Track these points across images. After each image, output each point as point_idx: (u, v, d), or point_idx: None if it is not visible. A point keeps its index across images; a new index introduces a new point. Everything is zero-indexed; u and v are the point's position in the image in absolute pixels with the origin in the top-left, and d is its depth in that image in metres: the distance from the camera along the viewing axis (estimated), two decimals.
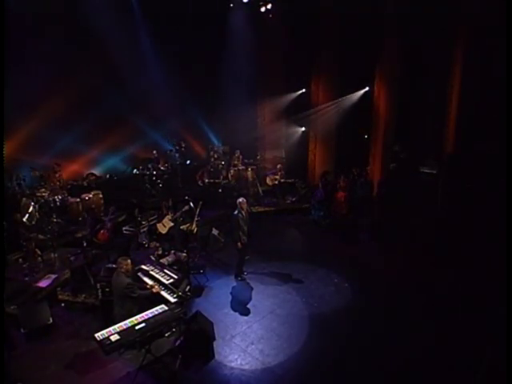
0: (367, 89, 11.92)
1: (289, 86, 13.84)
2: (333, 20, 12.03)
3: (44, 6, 10.21)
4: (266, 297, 7.21)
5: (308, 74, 13.00)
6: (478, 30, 8.83)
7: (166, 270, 6.13)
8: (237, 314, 6.71)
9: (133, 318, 5.08)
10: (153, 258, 6.70)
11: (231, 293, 7.38)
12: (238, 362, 5.54)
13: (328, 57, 12.33)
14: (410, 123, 11.68)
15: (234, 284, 7.70)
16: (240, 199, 7.67)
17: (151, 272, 6.17)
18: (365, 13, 10.85)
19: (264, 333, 6.16)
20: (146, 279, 6.11)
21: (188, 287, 5.88)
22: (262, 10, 12.87)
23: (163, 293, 5.67)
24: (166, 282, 5.82)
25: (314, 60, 12.69)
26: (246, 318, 6.58)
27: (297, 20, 12.60)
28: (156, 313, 5.21)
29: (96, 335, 4.80)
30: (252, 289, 7.52)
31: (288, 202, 12.05)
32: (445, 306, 6.73)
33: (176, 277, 5.91)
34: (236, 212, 7.61)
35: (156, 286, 5.70)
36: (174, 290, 5.63)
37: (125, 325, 4.96)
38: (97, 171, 12.09)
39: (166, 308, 5.33)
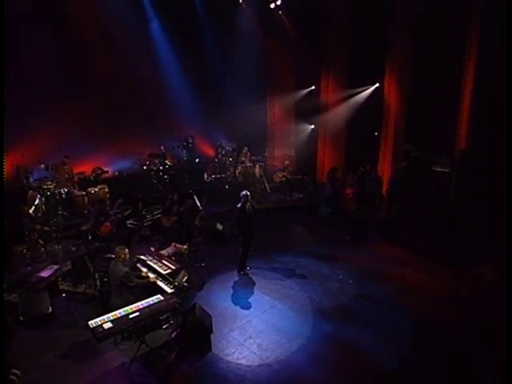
0: (377, 85, 11.64)
1: (298, 83, 13.67)
2: (343, 16, 11.86)
3: (59, 7, 10.37)
4: (267, 291, 7.07)
5: (318, 70, 12.83)
6: (493, 22, 8.54)
7: (164, 261, 6.05)
8: (237, 307, 6.59)
9: (127, 307, 5.01)
10: (152, 249, 6.63)
11: (232, 287, 7.26)
12: (235, 356, 5.41)
13: (338, 53, 12.15)
14: (422, 120, 11.38)
15: (236, 278, 7.58)
16: (243, 192, 7.55)
17: (149, 262, 6.11)
18: (376, 8, 10.66)
19: (263, 327, 6.02)
20: (143, 269, 6.04)
21: (185, 278, 5.77)
22: (272, 6, 12.76)
23: (160, 283, 5.60)
24: (164, 272, 5.74)
25: (324, 56, 12.53)
26: (246, 312, 6.45)
27: (306, 16, 12.46)
28: (151, 302, 5.14)
29: (89, 323, 4.77)
30: (254, 283, 7.39)
31: (295, 198, 11.88)
32: (451, 308, 6.47)
33: (173, 267, 5.82)
34: (239, 205, 7.50)
35: (153, 276, 5.62)
36: (171, 280, 5.53)
37: (119, 313, 4.91)
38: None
39: (162, 298, 5.25)
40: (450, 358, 5.35)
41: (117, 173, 12.19)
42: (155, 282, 5.57)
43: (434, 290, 7.11)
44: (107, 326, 4.68)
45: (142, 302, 5.14)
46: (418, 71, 10.58)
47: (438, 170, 10.96)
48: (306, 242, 9.45)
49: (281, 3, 12.57)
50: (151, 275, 5.76)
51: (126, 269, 5.50)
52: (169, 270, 5.77)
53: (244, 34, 12.84)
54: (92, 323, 4.74)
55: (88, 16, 10.77)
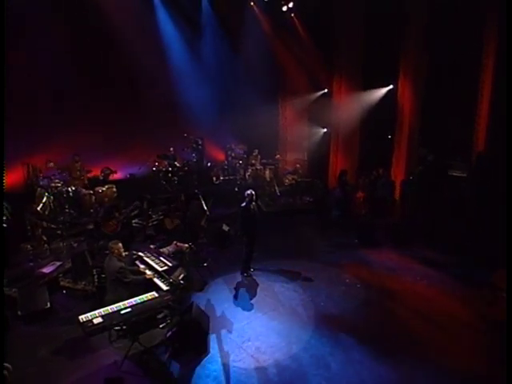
0: (391, 87, 11.34)
1: (311, 86, 13.50)
2: (355, 17, 11.68)
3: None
4: (270, 294, 6.84)
5: (330, 73, 12.64)
6: None
7: (161, 258, 5.91)
8: (238, 309, 6.38)
9: (120, 303, 4.87)
10: (152, 247, 6.51)
11: (235, 288, 7.05)
12: (231, 358, 5.20)
13: (350, 55, 11.95)
14: (438, 123, 10.99)
15: (239, 279, 7.37)
16: (248, 191, 7.38)
17: (146, 258, 5.98)
18: (388, 9, 10.43)
19: (263, 330, 5.78)
20: (141, 266, 5.91)
21: (182, 275, 5.60)
22: (284, 9, 12.72)
23: (156, 280, 5.45)
24: (160, 269, 5.59)
25: (337, 59, 12.35)
26: (246, 313, 6.24)
27: (319, 19, 12.33)
28: (145, 299, 5.00)
29: (80, 317, 4.65)
30: (257, 285, 7.16)
31: (305, 202, 11.62)
32: (460, 319, 6.09)
33: (170, 264, 5.67)
34: (244, 204, 7.32)
35: (149, 272, 5.48)
36: (166, 277, 5.38)
37: (110, 309, 4.78)
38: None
39: (156, 295, 5.10)
40: (452, 371, 5.00)
41: (128, 175, 12.23)
42: (151, 279, 5.43)
43: (442, 295, 6.76)
44: (97, 320, 4.55)
45: (136, 298, 5.00)
46: (433, 72, 10.24)
47: (455, 174, 10.53)
48: (314, 244, 9.18)
49: (293, 6, 12.53)
50: (148, 272, 5.63)
51: (121, 264, 5.38)
52: (165, 267, 5.62)
53: (255, 36, 12.80)
54: (82, 318, 4.62)
55: (101, 17, 10.87)
